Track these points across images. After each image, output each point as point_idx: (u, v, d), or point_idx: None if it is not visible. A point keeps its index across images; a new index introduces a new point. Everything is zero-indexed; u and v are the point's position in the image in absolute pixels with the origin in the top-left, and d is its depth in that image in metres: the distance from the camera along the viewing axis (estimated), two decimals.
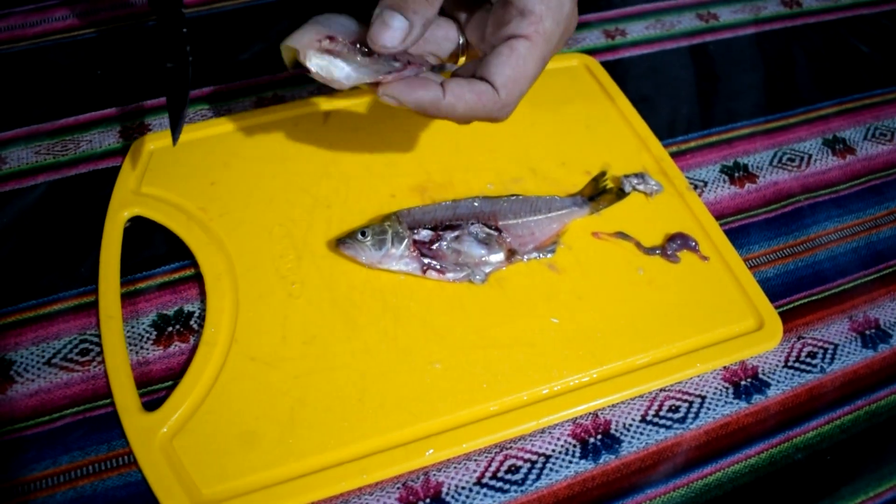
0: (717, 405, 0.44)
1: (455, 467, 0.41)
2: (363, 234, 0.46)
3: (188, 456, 0.39)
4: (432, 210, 0.49)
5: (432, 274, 0.46)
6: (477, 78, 0.42)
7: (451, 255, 0.47)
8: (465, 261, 0.47)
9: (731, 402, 0.45)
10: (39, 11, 0.62)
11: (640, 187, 0.52)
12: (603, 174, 0.52)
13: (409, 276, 0.47)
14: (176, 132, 0.47)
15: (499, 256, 0.47)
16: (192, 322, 0.45)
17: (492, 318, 0.45)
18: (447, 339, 0.44)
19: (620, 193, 0.51)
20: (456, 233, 0.47)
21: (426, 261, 0.46)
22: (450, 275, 0.46)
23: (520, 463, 0.42)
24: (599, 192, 0.51)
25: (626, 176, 0.52)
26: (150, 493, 0.38)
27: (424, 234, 0.47)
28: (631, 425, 0.43)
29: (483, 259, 0.47)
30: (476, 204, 0.49)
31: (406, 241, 0.46)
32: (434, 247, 0.47)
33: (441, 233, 0.47)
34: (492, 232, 0.48)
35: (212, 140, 0.53)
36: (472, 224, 0.48)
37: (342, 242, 0.46)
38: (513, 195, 0.50)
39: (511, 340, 0.45)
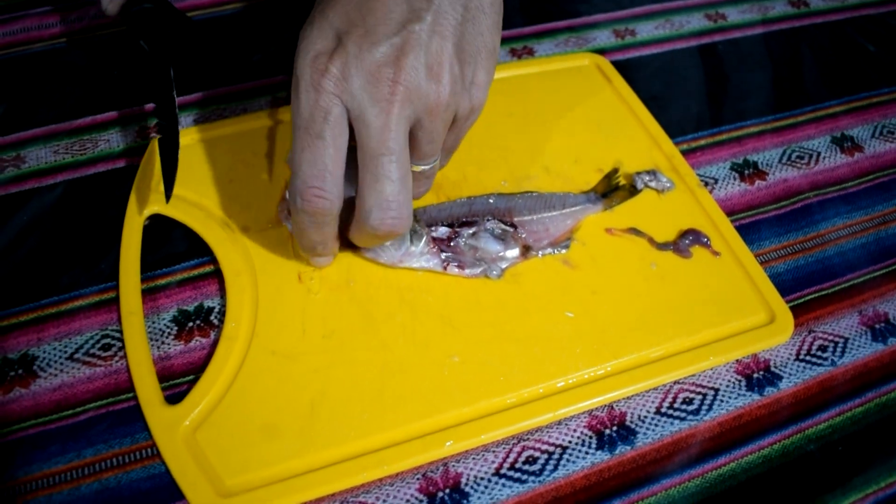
0: (730, 397, 0.45)
1: (474, 458, 0.42)
2: None
3: (211, 448, 0.40)
4: (448, 207, 0.49)
5: (452, 269, 0.47)
6: None
7: (467, 252, 0.47)
8: (481, 256, 0.47)
9: (744, 395, 0.45)
10: (55, 13, 0.63)
11: (652, 184, 0.53)
12: (615, 171, 0.53)
13: (425, 272, 0.47)
14: (169, 189, 0.48)
15: (514, 252, 0.48)
16: (212, 317, 0.46)
17: (508, 313, 0.46)
18: (464, 333, 0.45)
19: (633, 190, 0.52)
20: (472, 229, 0.48)
21: (445, 256, 0.47)
22: (467, 270, 0.47)
23: (537, 454, 0.42)
24: (612, 189, 0.52)
25: (638, 173, 0.53)
26: (174, 485, 0.39)
27: (442, 230, 0.47)
28: (646, 417, 0.44)
29: (499, 255, 0.48)
30: (491, 201, 0.50)
31: (424, 238, 0.47)
32: (451, 244, 0.47)
33: (458, 230, 0.48)
34: (507, 228, 0.48)
35: (229, 139, 0.53)
36: (488, 220, 0.48)
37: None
38: (527, 192, 0.51)
39: (527, 334, 0.45)
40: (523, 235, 0.49)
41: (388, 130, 0.38)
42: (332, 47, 0.38)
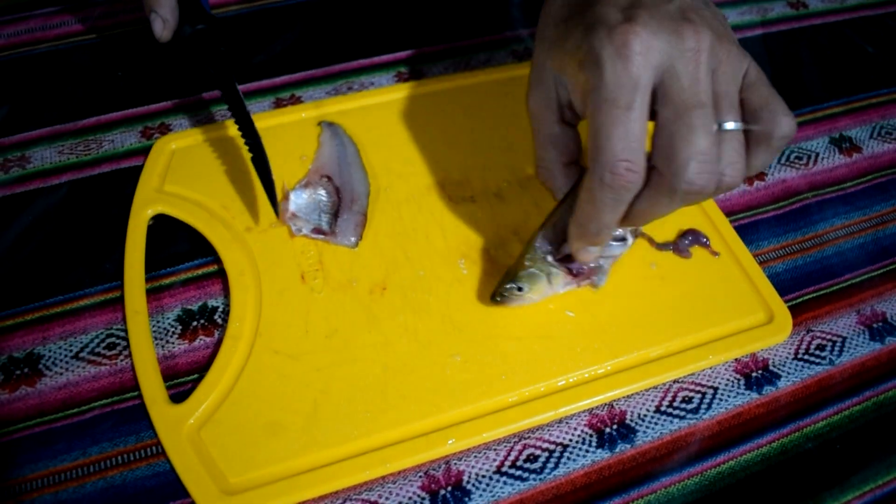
0: (729, 396, 0.45)
1: (475, 456, 0.42)
2: (520, 288, 0.44)
3: (215, 446, 0.41)
4: (553, 224, 0.46)
5: (584, 282, 0.46)
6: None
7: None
8: (600, 260, 0.46)
9: (743, 394, 0.46)
10: (60, 14, 0.63)
11: None
12: None
13: (426, 272, 0.48)
14: (274, 202, 0.48)
15: (629, 241, 0.46)
16: (216, 317, 0.47)
17: (509, 312, 0.46)
18: (466, 333, 0.45)
19: None
20: None
21: (574, 269, 0.45)
22: (594, 277, 0.46)
23: (538, 452, 0.43)
24: None
25: None
26: (179, 482, 0.40)
27: (565, 249, 0.45)
28: (646, 416, 0.44)
29: (619, 252, 0.46)
30: None
31: (559, 274, 0.45)
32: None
33: None
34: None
35: (233, 139, 0.54)
36: None
37: (502, 301, 0.45)
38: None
39: (528, 333, 0.46)
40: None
41: (699, 81, 0.37)
42: (623, 19, 0.37)
